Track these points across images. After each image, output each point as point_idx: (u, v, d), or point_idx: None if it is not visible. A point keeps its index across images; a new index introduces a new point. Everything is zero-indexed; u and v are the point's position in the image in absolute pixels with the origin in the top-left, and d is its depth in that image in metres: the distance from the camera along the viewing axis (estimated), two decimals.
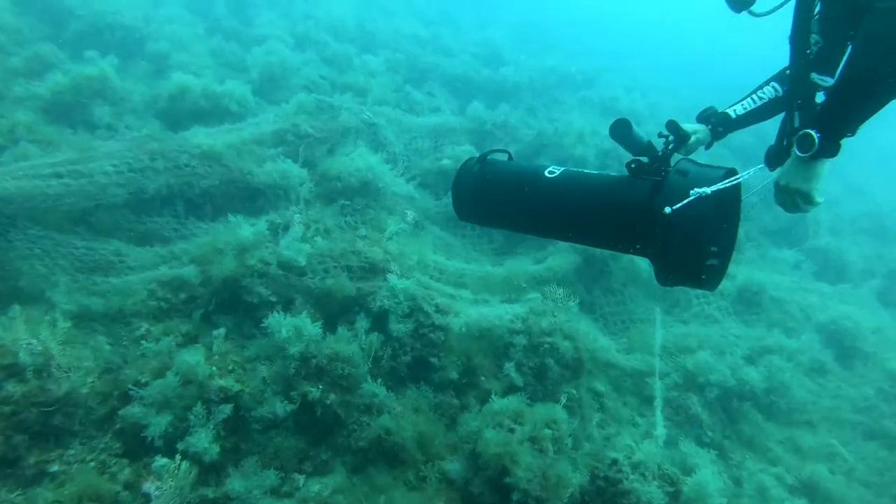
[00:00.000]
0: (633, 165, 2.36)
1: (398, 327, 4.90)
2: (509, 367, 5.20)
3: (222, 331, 4.51)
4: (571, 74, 12.42)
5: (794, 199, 2.22)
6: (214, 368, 4.08)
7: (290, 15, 10.51)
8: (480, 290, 6.14)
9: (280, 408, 4.12)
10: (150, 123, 6.41)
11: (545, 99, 11.38)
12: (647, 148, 2.41)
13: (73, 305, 4.80)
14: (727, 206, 2.36)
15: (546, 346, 5.38)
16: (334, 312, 5.07)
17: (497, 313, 5.36)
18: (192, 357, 3.93)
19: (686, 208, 2.06)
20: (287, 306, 4.98)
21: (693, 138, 2.75)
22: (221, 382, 3.97)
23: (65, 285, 4.94)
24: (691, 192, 2.06)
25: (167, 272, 5.03)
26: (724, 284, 7.46)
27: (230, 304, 4.97)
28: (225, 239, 5.01)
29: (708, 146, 2.93)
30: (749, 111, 2.89)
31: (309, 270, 5.07)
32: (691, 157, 2.44)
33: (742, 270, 7.77)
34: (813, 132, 2.05)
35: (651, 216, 2.17)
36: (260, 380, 4.18)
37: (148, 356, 4.22)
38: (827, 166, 2.15)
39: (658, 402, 5.70)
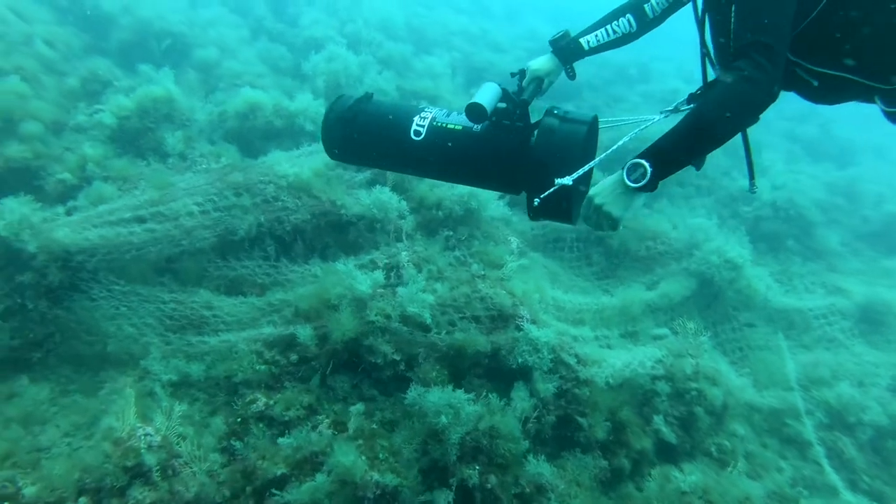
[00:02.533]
0: (493, 118, 2.51)
1: (546, 387, 4.32)
2: (658, 420, 4.65)
3: (360, 406, 3.92)
4: (625, 68, 11.74)
5: (601, 221, 2.23)
6: (364, 458, 3.50)
7: (335, 12, 9.78)
8: (598, 325, 5.57)
9: (442, 499, 3.55)
10: (222, 147, 5.76)
11: (605, 96, 10.71)
12: (505, 95, 2.54)
13: (173, 374, 4.23)
14: (591, 145, 2.60)
15: (693, 393, 4.82)
16: (463, 368, 4.50)
17: (637, 359, 4.79)
18: (347, 457, 3.34)
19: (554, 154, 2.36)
20: (410, 363, 4.41)
21: (546, 81, 2.93)
22: (378, 477, 3.39)
23: (158, 349, 4.36)
24: (556, 181, 2.26)
25: (273, 331, 4.44)
26: (843, 302, 6.96)
27: (347, 363, 4.39)
28: (337, 291, 4.40)
29: (571, 76, 3.07)
30: (602, 43, 2.95)
31: (433, 324, 4.48)
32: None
33: (855, 285, 7.22)
34: (646, 164, 2.06)
35: (520, 167, 2.46)
36: (417, 470, 3.60)
37: (282, 447, 3.63)
38: (643, 199, 2.08)
39: (818, 449, 5.15)
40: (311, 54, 7.62)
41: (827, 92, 2.40)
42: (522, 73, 2.94)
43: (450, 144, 2.59)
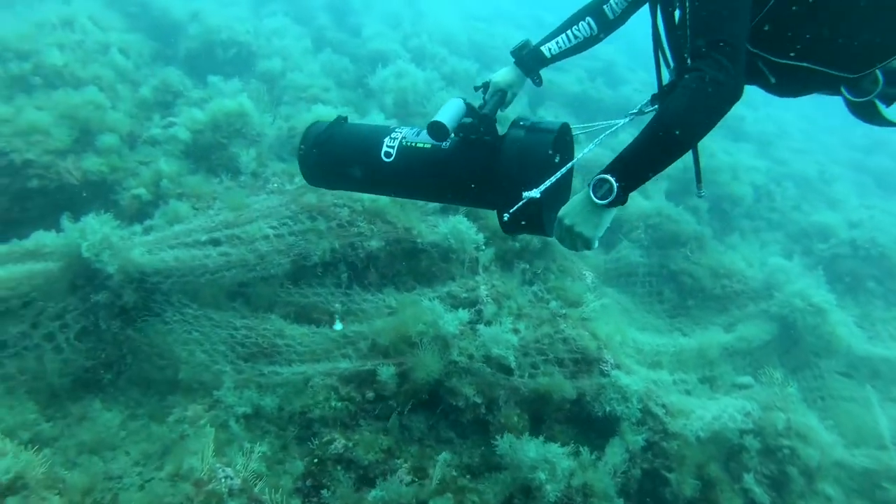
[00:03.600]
0: (460, 134, 2.50)
1: (634, 439, 4.09)
2: (749, 479, 4.38)
3: (446, 455, 3.74)
4: None
5: (574, 241, 2.15)
6: None
7: (397, 24, 9.67)
8: (676, 367, 5.32)
9: None
10: (293, 166, 5.65)
11: None
12: (469, 110, 2.52)
13: (247, 406, 4.10)
14: (564, 155, 2.55)
15: (785, 451, 4.54)
16: (545, 413, 4.30)
17: (727, 412, 4.52)
18: None
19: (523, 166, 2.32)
20: (490, 406, 4.22)
21: (510, 93, 2.85)
22: None
23: (231, 378, 4.24)
24: (524, 194, 2.21)
25: (350, 366, 4.28)
26: None
27: (427, 403, 4.22)
28: (419, 328, 4.23)
29: (537, 83, 3.00)
30: (564, 49, 2.86)
31: (516, 366, 4.28)
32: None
33: None
34: (612, 179, 1.99)
35: (490, 182, 2.41)
36: None
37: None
38: (614, 213, 2.11)
39: None
40: (377, 68, 7.51)
41: (789, 84, 2.32)
42: (486, 86, 2.90)
43: (420, 163, 2.59)
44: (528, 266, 5.30)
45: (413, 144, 2.62)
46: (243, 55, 7.78)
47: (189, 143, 5.37)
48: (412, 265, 5.16)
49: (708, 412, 4.42)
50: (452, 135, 2.51)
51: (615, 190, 1.98)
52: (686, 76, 1.97)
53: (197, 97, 6.26)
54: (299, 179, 5.31)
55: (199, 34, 7.62)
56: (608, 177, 1.99)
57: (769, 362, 5.48)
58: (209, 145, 5.43)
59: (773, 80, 2.28)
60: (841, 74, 2.17)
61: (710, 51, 1.92)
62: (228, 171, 5.32)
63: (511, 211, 2.27)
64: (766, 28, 2.13)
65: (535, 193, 2.22)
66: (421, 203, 5.44)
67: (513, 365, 4.20)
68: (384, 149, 2.63)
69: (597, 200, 2.02)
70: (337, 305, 4.79)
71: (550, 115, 8.69)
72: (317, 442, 3.91)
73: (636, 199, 6.96)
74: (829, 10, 2.04)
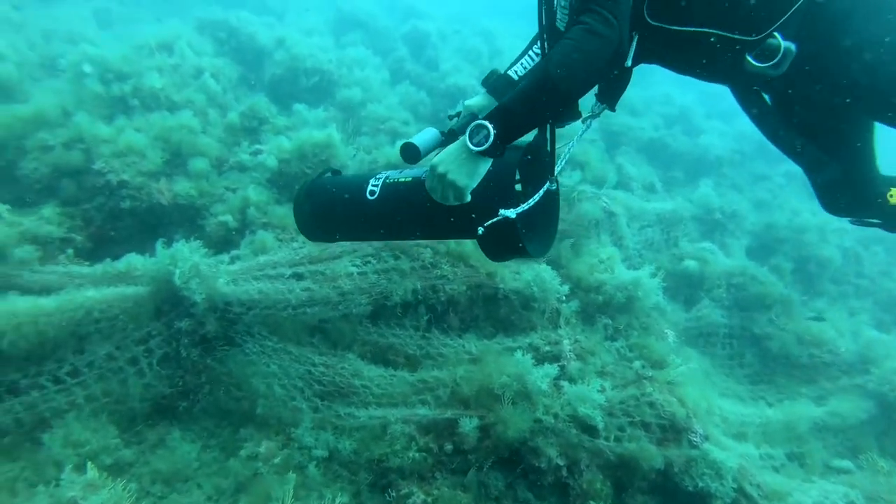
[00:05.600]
0: None
1: None
2: None
3: None
4: (765, 142, 11.13)
5: (446, 191, 2.12)
6: None
7: (475, 59, 9.76)
8: (761, 441, 5.05)
9: None
10: None
11: (745, 173, 10.16)
12: (446, 138, 2.63)
13: (323, 449, 4.04)
14: (538, 170, 2.62)
15: None
16: (628, 481, 4.11)
17: (829, 498, 4.24)
18: None
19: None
20: (571, 469, 4.05)
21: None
22: None
23: (309, 417, 4.19)
24: (500, 211, 2.25)
25: (428, 413, 4.19)
26: None
27: (507, 461, 4.08)
28: (502, 380, 4.11)
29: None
30: (529, 69, 2.86)
31: (602, 428, 4.11)
32: None
33: None
34: (489, 126, 1.99)
35: (467, 211, 2.33)
36: None
37: None
38: (489, 164, 2.10)
39: None
40: (457, 104, 7.53)
41: (689, 56, 2.37)
42: (458, 114, 2.94)
43: (402, 197, 2.65)
44: (610, 321, 5.15)
45: (395, 180, 2.70)
46: (324, 83, 7.94)
47: (275, 172, 5.43)
48: (491, 311, 5.07)
49: (807, 497, 4.15)
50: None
51: (491, 137, 1.99)
52: (570, 29, 2.04)
53: (282, 124, 6.37)
54: None
55: (284, 61, 7.81)
56: (486, 123, 2.00)
57: (866, 444, 5.16)
58: (295, 175, 5.49)
59: (675, 53, 2.36)
60: (741, 37, 2.21)
61: (594, 5, 1.99)
62: None
63: (486, 224, 2.28)
64: None
65: (510, 213, 2.24)
66: None
67: (600, 426, 4.04)
68: (369, 188, 2.72)
69: (472, 147, 2.04)
70: (414, 348, 4.73)
71: (627, 160, 8.56)
72: (394, 494, 3.82)
73: (717, 256, 6.75)
74: None
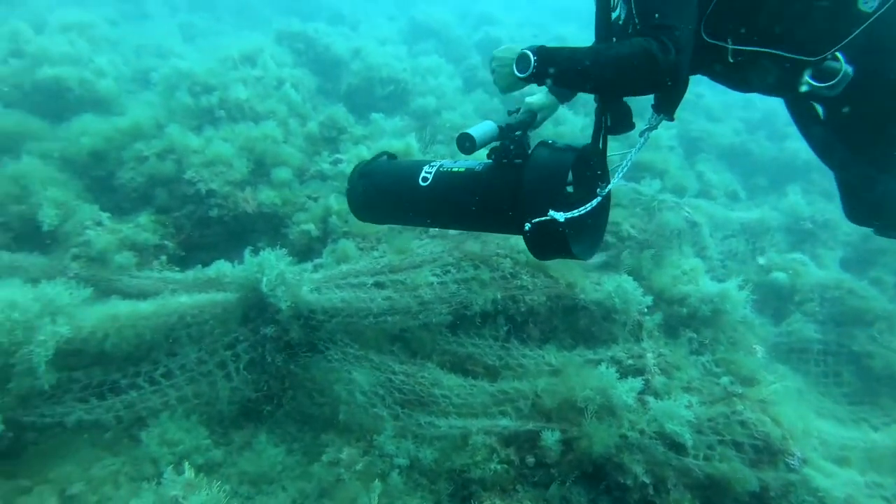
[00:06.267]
0: (492, 155, 2.62)
1: None
2: None
3: None
4: None
5: (495, 78, 2.47)
6: None
7: None
8: (866, 468, 4.77)
9: None
10: None
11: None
12: (501, 132, 2.62)
13: (404, 458, 4.08)
14: (592, 175, 2.65)
15: None
16: (718, 502, 3.97)
17: None
18: None
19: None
20: (657, 487, 3.95)
21: (539, 116, 2.90)
22: None
23: (390, 425, 4.26)
24: (549, 212, 2.29)
25: (510, 425, 4.18)
26: None
27: (591, 476, 4.02)
28: (586, 394, 4.06)
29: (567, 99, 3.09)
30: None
31: (690, 446, 4.00)
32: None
33: None
34: (532, 59, 2.26)
35: (517, 206, 2.45)
36: None
37: None
38: (525, 86, 2.41)
39: None
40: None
41: (744, 74, 2.34)
42: (518, 109, 2.97)
43: (453, 186, 2.71)
44: (695, 335, 5.00)
45: (449, 170, 2.76)
46: (399, 92, 8.07)
47: None
48: (571, 322, 5.02)
49: None
50: (486, 158, 2.68)
51: (531, 67, 2.26)
52: (640, 38, 2.07)
53: (360, 134, 6.51)
54: None
55: (360, 70, 7.99)
56: (531, 55, 2.27)
57: None
58: None
59: (731, 61, 2.29)
60: (803, 58, 2.18)
61: (662, 33, 2.02)
62: None
63: (534, 222, 2.33)
64: (721, 13, 2.17)
65: (559, 216, 2.28)
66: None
67: (688, 444, 3.92)
68: (422, 174, 2.78)
69: (517, 73, 2.34)
70: (493, 359, 4.73)
71: (707, 167, 8.32)
72: None
73: (809, 268, 6.45)
74: None
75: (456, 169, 2.74)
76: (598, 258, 5.37)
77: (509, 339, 4.85)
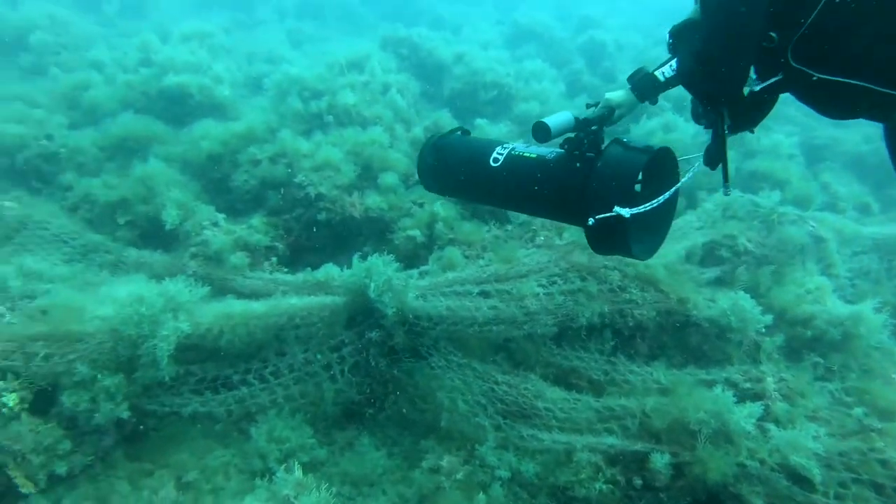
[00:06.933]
0: (565, 146, 2.68)
1: None
2: None
3: None
4: None
5: None
6: None
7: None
8: None
9: None
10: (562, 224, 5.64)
11: None
12: (577, 124, 2.73)
13: (505, 469, 4.06)
14: (662, 178, 2.64)
15: None
16: None
17: None
18: None
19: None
20: None
21: (616, 113, 2.92)
22: None
23: (492, 436, 4.25)
24: (615, 207, 2.35)
25: (616, 443, 4.07)
26: None
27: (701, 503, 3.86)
28: (699, 416, 3.89)
29: (654, 103, 3.03)
30: (675, 75, 2.82)
31: (819, 482, 3.74)
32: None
33: None
34: None
35: (583, 199, 2.52)
36: None
37: None
38: None
39: None
40: (640, 118, 7.30)
41: (832, 102, 2.18)
42: (597, 103, 2.96)
43: (523, 171, 2.76)
44: (821, 360, 4.69)
45: (521, 154, 2.81)
46: (502, 97, 8.07)
47: None
48: (681, 339, 4.84)
49: None
50: (558, 147, 2.72)
51: None
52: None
53: None
54: (568, 234, 5.28)
55: (463, 75, 8.06)
56: None
57: None
58: None
59: (817, 97, 2.19)
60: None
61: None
62: (497, 220, 5.44)
63: (597, 217, 2.39)
64: (809, 41, 2.01)
65: (625, 212, 2.32)
66: (696, 273, 5.12)
67: (816, 479, 3.68)
68: (494, 155, 2.86)
69: None
70: (599, 373, 4.63)
71: (833, 178, 7.80)
72: None
73: None
74: (884, 17, 1.86)
75: (527, 154, 2.80)
76: (710, 272, 5.15)
77: (615, 353, 4.73)
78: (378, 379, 4.59)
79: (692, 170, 2.58)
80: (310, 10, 15.04)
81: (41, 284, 4.70)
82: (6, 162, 6.20)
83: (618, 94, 2.95)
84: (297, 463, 3.62)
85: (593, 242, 2.63)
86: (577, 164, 2.62)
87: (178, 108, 6.96)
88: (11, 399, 3.94)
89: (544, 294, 4.65)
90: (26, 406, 3.98)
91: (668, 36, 2.55)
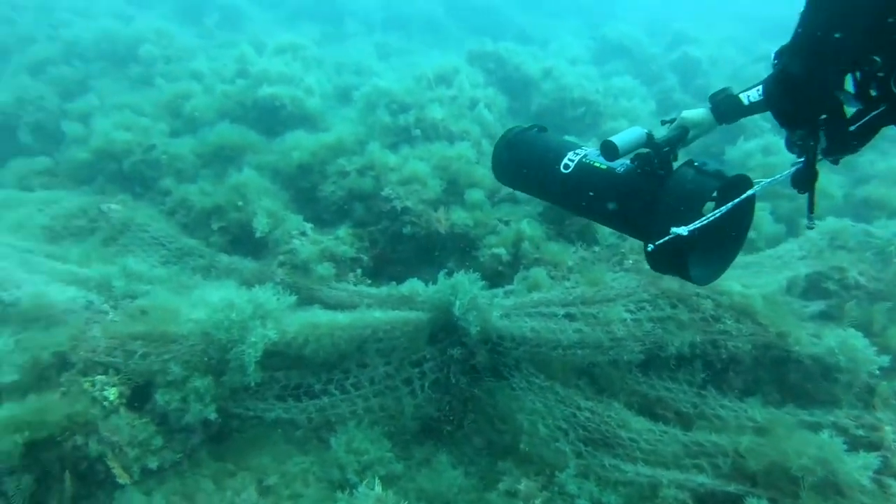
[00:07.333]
0: (636, 161, 2.68)
1: None
2: None
3: None
4: None
5: None
6: None
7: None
8: None
9: None
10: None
11: None
12: (649, 141, 2.66)
13: (586, 500, 3.95)
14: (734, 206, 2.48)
15: None
16: None
17: None
18: None
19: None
20: None
21: (691, 133, 2.83)
22: None
23: (573, 462, 4.15)
24: (672, 229, 2.34)
25: (706, 482, 3.89)
26: None
27: None
28: (803, 462, 3.66)
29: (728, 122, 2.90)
30: (762, 100, 2.68)
31: None
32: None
33: None
34: None
35: (647, 217, 2.54)
36: None
37: None
38: None
39: None
40: (738, 139, 7.03)
41: None
42: (673, 121, 2.91)
43: (591, 180, 2.80)
44: None
45: (591, 163, 2.85)
46: (590, 114, 7.96)
47: (547, 206, 5.53)
48: (780, 376, 4.60)
49: None
50: (628, 161, 2.71)
51: None
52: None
53: None
54: None
55: (551, 91, 8.01)
56: None
57: None
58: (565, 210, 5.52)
59: None
60: None
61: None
62: (584, 240, 5.34)
63: (657, 243, 2.39)
64: None
65: (682, 231, 2.30)
66: (798, 306, 4.85)
67: None
68: (565, 160, 2.91)
69: None
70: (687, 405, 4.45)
71: None
72: None
73: None
74: None
75: (598, 164, 2.83)
76: (815, 306, 4.88)
77: (706, 386, 4.54)
78: (458, 396, 4.58)
79: (759, 184, 2.55)
80: (396, 23, 15.36)
81: (141, 285, 4.95)
82: (115, 166, 6.61)
83: (695, 113, 2.88)
84: (377, 478, 3.64)
85: (652, 261, 2.64)
86: (645, 182, 2.65)
87: (270, 118, 7.22)
88: (112, 393, 4.16)
89: (632, 320, 4.53)
90: (124, 401, 4.20)
91: (773, 56, 2.45)
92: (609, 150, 2.62)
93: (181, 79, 8.33)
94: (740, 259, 5.02)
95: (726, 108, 2.83)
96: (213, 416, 4.19)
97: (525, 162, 3.16)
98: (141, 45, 9.06)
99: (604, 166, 2.80)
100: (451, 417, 4.61)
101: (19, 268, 5.08)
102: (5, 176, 6.84)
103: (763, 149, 6.64)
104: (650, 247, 2.45)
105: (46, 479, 3.96)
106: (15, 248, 5.57)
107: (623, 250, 5.24)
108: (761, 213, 5.43)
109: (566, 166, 2.89)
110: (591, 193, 2.81)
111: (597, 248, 5.33)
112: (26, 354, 4.21)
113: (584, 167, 2.85)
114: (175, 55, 9.21)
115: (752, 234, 5.19)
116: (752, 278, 4.83)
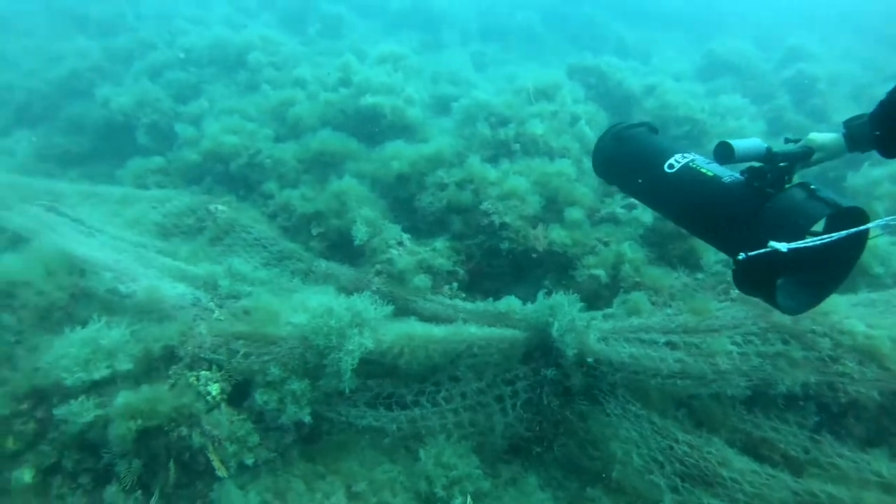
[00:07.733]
0: (746, 173, 2.57)
1: None
2: None
3: None
4: None
5: None
6: None
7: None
8: None
9: None
10: None
11: None
12: (766, 155, 2.57)
13: None
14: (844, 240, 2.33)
15: None
16: None
17: None
18: None
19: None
20: None
21: (816, 155, 2.69)
22: None
23: (669, 497, 4.01)
24: (770, 242, 2.22)
25: None
26: None
27: None
28: None
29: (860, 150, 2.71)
30: None
31: None
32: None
33: None
34: None
35: (748, 233, 2.40)
36: None
37: None
38: None
39: None
40: (864, 166, 6.62)
41: None
42: (798, 140, 2.76)
43: (694, 185, 2.70)
44: None
45: (697, 168, 2.74)
46: (695, 133, 7.73)
47: (649, 228, 5.40)
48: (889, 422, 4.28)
49: None
50: (737, 174, 2.62)
51: None
52: None
53: None
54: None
55: (654, 108, 7.83)
56: None
57: None
58: (669, 234, 5.38)
59: None
60: None
61: None
62: (686, 265, 5.17)
63: (750, 254, 2.27)
64: None
65: (781, 246, 2.19)
66: None
67: None
68: (671, 160, 2.82)
69: None
70: (798, 449, 4.21)
71: None
72: None
73: None
74: None
75: (704, 170, 2.73)
76: None
77: (820, 431, 4.28)
78: (549, 418, 4.53)
79: (878, 222, 2.38)
80: (492, 33, 15.43)
81: (245, 286, 5.17)
82: (222, 169, 6.95)
83: (825, 137, 2.73)
84: (469, 498, 3.64)
85: (738, 277, 2.48)
86: (752, 197, 2.52)
87: (371, 126, 7.39)
88: (215, 389, 4.37)
89: (738, 353, 4.33)
90: (225, 397, 4.40)
91: None
92: (724, 152, 2.57)
93: (286, 86, 8.67)
94: (865, 296, 4.74)
95: (861, 136, 2.63)
96: (307, 419, 4.32)
97: (629, 156, 3.10)
98: (249, 51, 9.49)
99: (710, 173, 2.71)
100: (542, 438, 4.57)
101: (135, 262, 5.42)
102: (124, 174, 7.31)
103: (892, 177, 6.22)
104: (741, 255, 2.32)
105: (153, 465, 4.20)
106: (130, 242, 5.95)
107: (729, 279, 5.03)
108: (891, 246, 5.08)
109: (671, 166, 2.82)
110: (690, 198, 2.73)
111: (700, 276, 5.15)
112: (139, 345, 4.49)
113: (689, 170, 2.77)
114: (281, 62, 9.60)
115: (879, 269, 4.89)
116: (878, 318, 4.51)
